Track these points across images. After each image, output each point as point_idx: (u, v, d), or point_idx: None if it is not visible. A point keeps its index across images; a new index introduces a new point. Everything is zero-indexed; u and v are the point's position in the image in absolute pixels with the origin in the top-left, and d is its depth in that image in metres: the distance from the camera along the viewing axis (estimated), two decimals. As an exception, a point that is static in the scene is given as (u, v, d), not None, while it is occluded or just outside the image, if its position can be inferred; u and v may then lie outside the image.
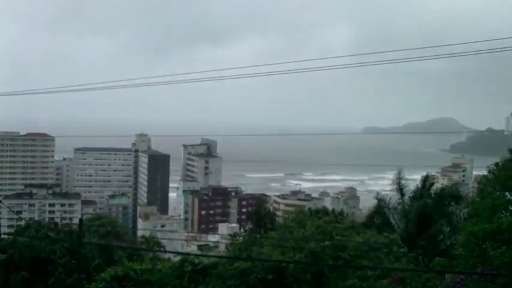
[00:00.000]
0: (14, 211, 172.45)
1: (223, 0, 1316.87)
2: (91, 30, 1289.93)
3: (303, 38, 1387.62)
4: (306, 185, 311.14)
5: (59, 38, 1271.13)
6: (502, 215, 22.92)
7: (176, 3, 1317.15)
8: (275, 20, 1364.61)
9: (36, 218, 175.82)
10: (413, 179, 39.54)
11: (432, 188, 37.25)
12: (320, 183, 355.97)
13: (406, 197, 35.98)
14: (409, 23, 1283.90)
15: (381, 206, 36.42)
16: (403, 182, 36.27)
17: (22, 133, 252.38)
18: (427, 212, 33.72)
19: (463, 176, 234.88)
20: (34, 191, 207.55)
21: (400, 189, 35.50)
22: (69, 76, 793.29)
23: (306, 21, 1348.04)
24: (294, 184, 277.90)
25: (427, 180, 36.96)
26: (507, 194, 24.98)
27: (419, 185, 36.35)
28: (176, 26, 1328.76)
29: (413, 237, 32.89)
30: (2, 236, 47.78)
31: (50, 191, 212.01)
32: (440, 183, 57.37)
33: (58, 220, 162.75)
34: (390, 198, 36.25)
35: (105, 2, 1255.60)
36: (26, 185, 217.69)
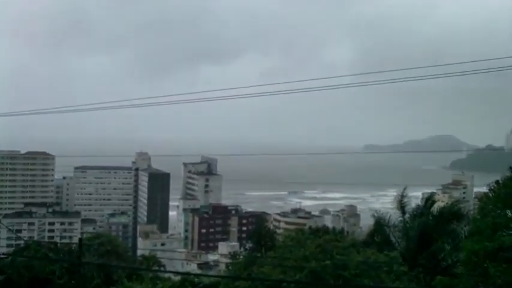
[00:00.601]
0: (12, 230, 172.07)
1: (225, 20, 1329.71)
2: (93, 49, 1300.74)
3: (305, 56, 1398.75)
4: (307, 203, 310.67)
5: (61, 57, 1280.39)
6: (504, 234, 22.81)
7: (178, 23, 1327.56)
8: (277, 39, 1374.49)
9: (35, 237, 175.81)
10: (414, 197, 39.48)
11: (433, 205, 37.14)
12: (321, 201, 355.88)
13: (407, 215, 35.88)
14: (411, 40, 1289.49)
15: (380, 224, 36.27)
16: (406, 200, 36.18)
17: (22, 152, 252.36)
18: (427, 230, 33.60)
19: (464, 193, 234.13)
20: (34, 209, 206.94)
21: (402, 207, 35.39)
22: (70, 95, 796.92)
23: (307, 40, 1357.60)
24: (295, 202, 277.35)
25: (430, 198, 36.83)
26: (508, 212, 24.88)
27: (421, 203, 36.25)
28: (178, 46, 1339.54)
29: (414, 255, 32.74)
30: (1, 256, 47.48)
31: (50, 210, 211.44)
32: (440, 200, 57.17)
33: (58, 239, 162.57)
34: (390, 216, 36.14)
35: (108, 21, 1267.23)
36: (26, 204, 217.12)
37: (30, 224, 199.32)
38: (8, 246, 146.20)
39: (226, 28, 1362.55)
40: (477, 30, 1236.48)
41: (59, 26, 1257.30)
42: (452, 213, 35.65)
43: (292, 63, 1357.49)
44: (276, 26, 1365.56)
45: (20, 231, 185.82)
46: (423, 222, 33.98)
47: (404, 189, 36.26)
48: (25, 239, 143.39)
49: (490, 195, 26.73)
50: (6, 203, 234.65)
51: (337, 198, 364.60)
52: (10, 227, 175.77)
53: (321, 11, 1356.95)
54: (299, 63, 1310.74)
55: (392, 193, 37.39)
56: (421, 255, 31.89)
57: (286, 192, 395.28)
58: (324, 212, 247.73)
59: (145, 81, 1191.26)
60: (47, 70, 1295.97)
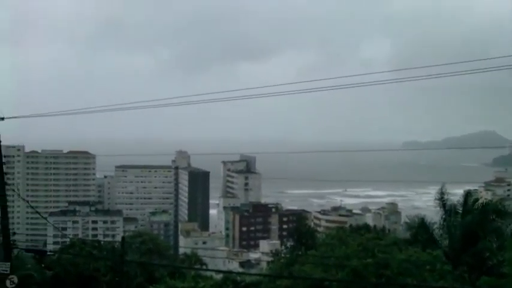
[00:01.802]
0: (58, 228, 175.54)
1: (262, 17, 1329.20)
2: (132, 49, 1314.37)
3: (342, 52, 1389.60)
4: (348, 201, 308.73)
5: (100, 57, 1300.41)
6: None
7: (216, 21, 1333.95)
8: (314, 35, 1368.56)
9: (80, 235, 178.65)
10: (456, 194, 38.76)
11: (476, 203, 36.45)
12: (362, 199, 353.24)
13: (449, 213, 35.30)
14: (450, 34, 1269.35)
15: (422, 222, 35.77)
16: (447, 197, 35.58)
17: (65, 151, 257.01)
18: (472, 228, 33.01)
19: (508, 190, 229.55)
20: (77, 208, 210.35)
21: (443, 205, 34.82)
22: (110, 94, 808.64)
23: (344, 36, 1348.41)
24: (339, 200, 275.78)
25: (469, 196, 36.18)
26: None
27: (462, 200, 35.59)
28: (216, 44, 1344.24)
29: (458, 254, 32.21)
30: (48, 254, 48.45)
31: (93, 208, 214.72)
32: (483, 198, 56.13)
33: (101, 237, 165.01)
34: (431, 214, 35.65)
35: (146, 20, 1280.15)
36: (70, 202, 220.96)
37: (74, 222, 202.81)
38: (55, 243, 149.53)
39: (264, 25, 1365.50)
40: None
41: (99, 26, 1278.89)
42: (496, 211, 34.95)
43: (330, 60, 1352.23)
44: (313, 22, 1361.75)
45: (65, 229, 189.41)
46: (467, 220, 33.39)
47: (443, 186, 35.64)
48: (70, 236, 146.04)
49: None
50: (51, 201, 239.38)
51: (378, 196, 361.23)
52: (56, 225, 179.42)
53: (358, 6, 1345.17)
54: (336, 60, 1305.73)
55: (433, 191, 36.68)
56: (465, 254, 31.37)
57: (327, 191, 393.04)
58: (365, 209, 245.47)
59: (183, 80, 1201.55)
60: (88, 70, 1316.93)
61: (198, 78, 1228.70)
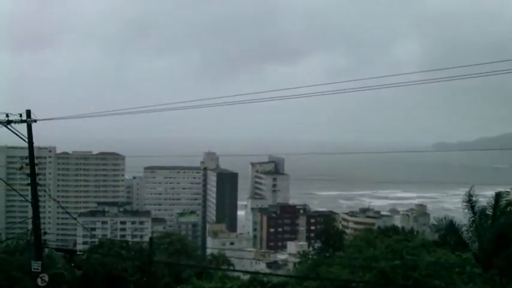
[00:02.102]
0: (88, 229, 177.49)
1: (291, 19, 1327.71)
2: (161, 51, 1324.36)
3: (372, 54, 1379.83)
4: (377, 203, 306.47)
5: (129, 58, 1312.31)
6: None
7: (244, 23, 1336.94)
8: (344, 37, 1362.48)
9: (108, 235, 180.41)
10: (487, 196, 38.18)
11: (510, 205, 35.87)
12: (392, 200, 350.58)
13: (480, 214, 34.81)
14: (483, 34, 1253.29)
15: (451, 224, 35.35)
16: (476, 199, 35.11)
17: (94, 152, 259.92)
18: (504, 230, 32.49)
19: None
20: (106, 208, 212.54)
21: (472, 207, 34.37)
22: (140, 96, 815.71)
23: (374, 38, 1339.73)
24: (368, 202, 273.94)
25: (499, 197, 35.65)
26: None
27: (493, 202, 35.07)
28: (244, 46, 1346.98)
29: (489, 256, 31.73)
30: (78, 253, 49.06)
31: (121, 209, 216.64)
32: (515, 200, 55.13)
33: (129, 237, 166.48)
34: (459, 216, 35.19)
35: (174, 22, 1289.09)
36: (99, 203, 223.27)
37: (103, 222, 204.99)
38: (84, 243, 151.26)
39: (293, 27, 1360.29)
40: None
41: (126, 29, 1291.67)
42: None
43: (359, 62, 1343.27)
44: (342, 24, 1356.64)
45: (94, 229, 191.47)
46: (499, 222, 32.88)
47: (472, 187, 35.21)
48: (99, 237, 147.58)
49: None
50: (81, 202, 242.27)
51: (408, 198, 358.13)
52: (85, 225, 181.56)
53: (389, 7, 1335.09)
54: (366, 61, 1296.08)
55: (463, 192, 36.19)
56: (496, 257, 30.89)
57: (356, 192, 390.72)
58: (393, 211, 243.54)
59: (212, 82, 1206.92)
60: (117, 72, 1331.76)
61: (227, 79, 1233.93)
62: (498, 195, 35.54)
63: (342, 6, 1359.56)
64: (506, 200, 35.75)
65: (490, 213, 34.81)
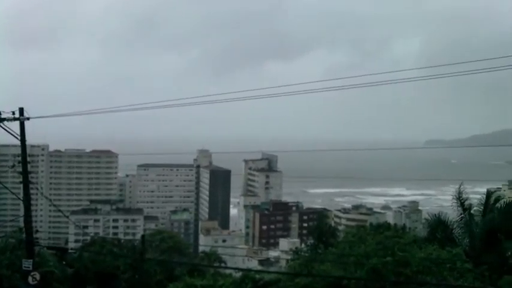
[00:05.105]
0: (80, 226, 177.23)
1: (292, 16, 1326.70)
2: (162, 47, 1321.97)
3: (373, 51, 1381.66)
4: (371, 200, 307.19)
5: (129, 54, 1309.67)
6: None
7: (245, 20, 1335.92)
8: (345, 35, 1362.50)
9: (101, 233, 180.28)
10: (479, 192, 38.50)
11: (498, 201, 36.13)
12: (386, 197, 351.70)
13: (471, 211, 35.04)
14: (482, 33, 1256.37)
15: (440, 220, 35.57)
16: (468, 196, 35.38)
17: (87, 150, 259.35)
18: (493, 226, 32.69)
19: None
20: (99, 206, 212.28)
21: (462, 204, 34.63)
22: (137, 93, 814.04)
23: (375, 35, 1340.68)
24: (362, 199, 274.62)
25: (490, 194, 35.93)
26: None
27: (484, 199, 35.34)
28: (245, 43, 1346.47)
29: (479, 252, 31.92)
30: (69, 251, 48.97)
31: (114, 207, 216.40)
32: (507, 196, 55.64)
33: (121, 235, 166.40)
34: (450, 212, 35.42)
35: (176, 19, 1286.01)
36: (91, 201, 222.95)
37: (95, 220, 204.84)
38: (76, 241, 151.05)
39: (294, 24, 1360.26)
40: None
41: (129, 25, 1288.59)
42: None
43: (359, 59, 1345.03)
44: (344, 21, 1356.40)
45: (86, 227, 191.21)
46: (489, 218, 33.09)
47: (461, 184, 35.51)
48: (91, 235, 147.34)
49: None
50: (73, 199, 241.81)
51: (402, 195, 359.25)
52: (77, 223, 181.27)
53: (389, 5, 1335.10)
54: (366, 59, 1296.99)
55: (456, 189, 36.48)
56: (486, 253, 31.06)
57: (351, 189, 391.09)
58: (386, 208, 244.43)
59: (211, 79, 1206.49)
60: (116, 68, 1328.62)
61: (227, 77, 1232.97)
62: (488, 192, 35.84)
63: (343, 3, 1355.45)
64: (497, 197, 36.04)
65: (481, 209, 35.10)
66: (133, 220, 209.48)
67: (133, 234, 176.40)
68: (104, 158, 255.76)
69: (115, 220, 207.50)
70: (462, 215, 34.23)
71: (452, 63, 24.70)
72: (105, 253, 45.61)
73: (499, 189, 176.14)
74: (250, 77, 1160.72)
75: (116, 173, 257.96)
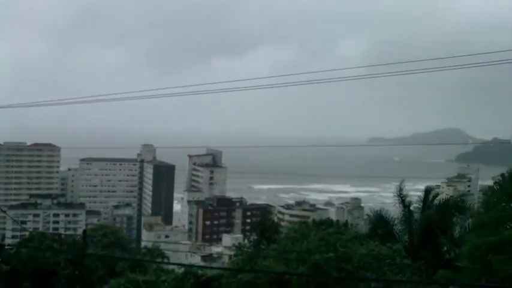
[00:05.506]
0: (18, 222, 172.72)
1: (240, 13, 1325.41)
2: (108, 41, 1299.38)
3: (319, 49, 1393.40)
4: (314, 196, 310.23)
5: (74, 48, 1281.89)
6: (507, 227, 22.67)
7: (193, 15, 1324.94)
8: (292, 32, 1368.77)
9: (40, 228, 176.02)
10: (420, 189, 39.46)
11: (437, 198, 37.10)
12: (330, 193, 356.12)
13: (411, 208, 35.85)
14: (428, 35, 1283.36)
15: (381, 217, 36.34)
16: (409, 193, 36.23)
17: (28, 143, 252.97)
18: (431, 223, 33.54)
19: (469, 186, 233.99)
20: (39, 201, 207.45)
21: (402, 200, 35.43)
22: (82, 86, 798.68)
23: (323, 33, 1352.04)
24: (306, 195, 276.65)
25: (429, 191, 36.90)
26: (512, 205, 24.74)
27: (423, 196, 36.26)
28: (193, 38, 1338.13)
29: (417, 248, 32.71)
30: (6, 247, 47.69)
31: (55, 201, 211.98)
32: (445, 193, 57.18)
33: (62, 230, 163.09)
34: (392, 209, 36.20)
35: (123, 12, 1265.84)
36: (31, 195, 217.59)
37: (35, 215, 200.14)
38: (14, 237, 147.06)
39: (242, 21, 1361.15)
40: (500, 21, 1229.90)
41: (74, 17, 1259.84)
42: (456, 206, 35.62)
43: (306, 57, 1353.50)
44: (292, 19, 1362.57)
45: (25, 222, 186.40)
46: (427, 215, 33.95)
47: (402, 182, 36.39)
48: (30, 230, 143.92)
49: (495, 188, 26.60)
50: (12, 194, 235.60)
51: (345, 191, 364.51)
52: (15, 218, 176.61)
53: (337, 3, 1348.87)
54: (313, 56, 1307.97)
55: (397, 186, 37.29)
56: (424, 248, 31.85)
57: (296, 186, 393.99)
58: (329, 204, 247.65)
59: (158, 74, 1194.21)
60: (60, 62, 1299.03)
61: (174, 72, 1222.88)
62: (427, 190, 36.79)
63: (292, 1, 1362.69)
64: (435, 194, 37.03)
65: (420, 206, 35.98)
66: (74, 215, 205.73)
67: (75, 229, 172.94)
68: (45, 152, 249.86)
69: (56, 215, 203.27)
70: (403, 212, 35.02)
71: (395, 62, 25.10)
72: (44, 249, 44.62)
73: (438, 186, 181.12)
74: (198, 72, 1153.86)
75: (57, 166, 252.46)
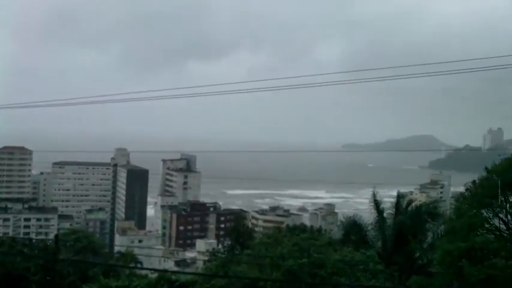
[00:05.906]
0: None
1: (216, 17, 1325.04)
2: (81, 43, 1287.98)
3: (295, 55, 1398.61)
4: (289, 202, 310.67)
5: (48, 50, 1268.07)
6: (478, 233, 22.96)
7: (169, 19, 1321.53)
8: (268, 37, 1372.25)
9: (10, 233, 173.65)
10: (393, 196, 39.77)
11: (410, 205, 37.45)
12: (304, 199, 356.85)
13: (385, 214, 36.12)
14: (402, 42, 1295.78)
15: (354, 223, 36.56)
16: (382, 199, 36.49)
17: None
18: (404, 229, 33.80)
19: (441, 192, 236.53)
20: (9, 205, 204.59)
21: (376, 206, 35.68)
22: (56, 89, 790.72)
23: (298, 39, 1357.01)
24: (280, 200, 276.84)
25: (402, 198, 37.24)
26: (483, 212, 25.09)
27: (395, 202, 36.57)
28: (167, 42, 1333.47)
29: (390, 254, 32.93)
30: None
31: (26, 206, 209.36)
32: (418, 199, 57.80)
33: (34, 235, 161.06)
34: (365, 215, 36.43)
35: (97, 15, 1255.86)
36: (1, 199, 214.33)
37: (5, 219, 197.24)
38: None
39: (217, 25, 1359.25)
40: (472, 30, 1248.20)
41: (48, 19, 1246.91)
42: (428, 212, 35.99)
43: (282, 62, 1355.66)
44: (267, 24, 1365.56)
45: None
46: (399, 221, 34.21)
47: (375, 188, 36.66)
48: None
49: (467, 195, 26.93)
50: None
51: (320, 197, 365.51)
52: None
53: (313, 10, 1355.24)
54: (289, 62, 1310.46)
55: (370, 192, 37.56)
56: (397, 254, 32.08)
57: (270, 191, 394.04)
58: (302, 210, 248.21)
59: (133, 76, 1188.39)
60: (33, 63, 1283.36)
61: (148, 75, 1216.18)
62: (399, 196, 37.12)
63: (267, 6, 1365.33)
64: (408, 200, 37.41)
65: (393, 212, 36.27)
66: (46, 219, 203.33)
67: (46, 234, 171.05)
68: (16, 155, 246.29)
69: (27, 219, 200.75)
70: (377, 218, 35.25)
71: (370, 68, 25.32)
72: (14, 254, 43.91)
73: (411, 193, 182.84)
74: (173, 76, 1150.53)
75: (29, 170, 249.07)
